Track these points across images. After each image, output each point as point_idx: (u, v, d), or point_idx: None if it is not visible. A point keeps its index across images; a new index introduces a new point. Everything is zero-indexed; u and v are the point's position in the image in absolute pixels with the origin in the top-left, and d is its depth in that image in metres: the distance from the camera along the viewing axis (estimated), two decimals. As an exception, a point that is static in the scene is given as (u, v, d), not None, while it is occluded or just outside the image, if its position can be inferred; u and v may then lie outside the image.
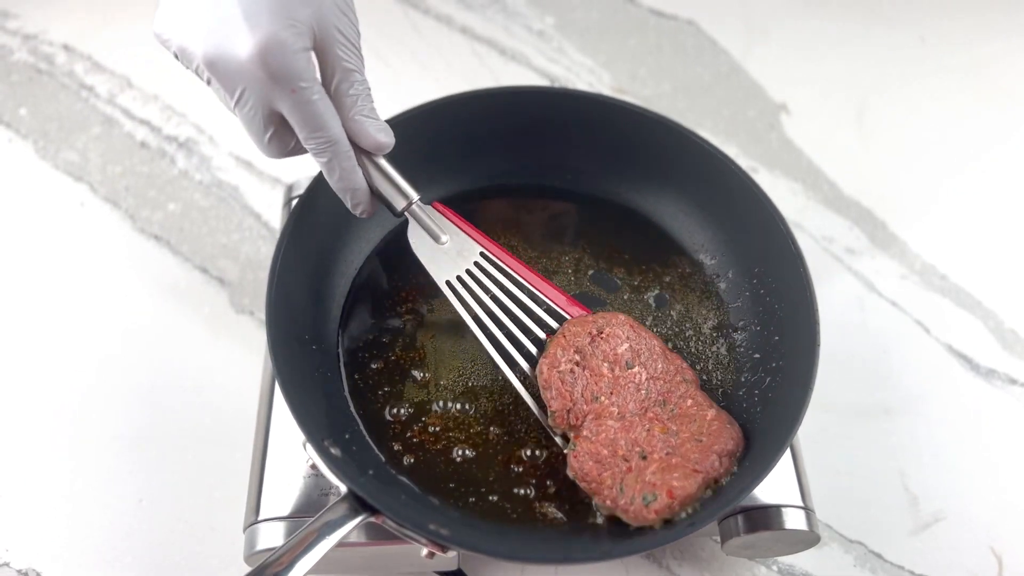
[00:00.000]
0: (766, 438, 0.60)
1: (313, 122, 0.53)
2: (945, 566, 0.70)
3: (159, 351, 0.77)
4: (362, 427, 0.62)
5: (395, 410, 0.63)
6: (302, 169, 0.83)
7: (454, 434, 0.62)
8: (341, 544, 0.53)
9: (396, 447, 0.61)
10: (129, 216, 0.85)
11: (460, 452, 0.62)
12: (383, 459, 0.61)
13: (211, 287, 0.81)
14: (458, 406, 0.64)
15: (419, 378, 0.65)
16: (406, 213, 0.62)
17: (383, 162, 0.60)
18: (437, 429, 0.62)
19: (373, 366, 0.65)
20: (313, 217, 0.66)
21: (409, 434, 0.62)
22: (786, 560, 0.69)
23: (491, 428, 0.63)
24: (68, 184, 0.87)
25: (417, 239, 0.63)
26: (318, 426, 0.57)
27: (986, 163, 0.95)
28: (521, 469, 0.61)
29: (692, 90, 1.00)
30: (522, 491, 0.60)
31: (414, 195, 0.61)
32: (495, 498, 0.59)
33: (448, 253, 0.63)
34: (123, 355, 0.77)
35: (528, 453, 0.62)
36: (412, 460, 0.61)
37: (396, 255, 0.72)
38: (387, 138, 0.58)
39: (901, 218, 0.90)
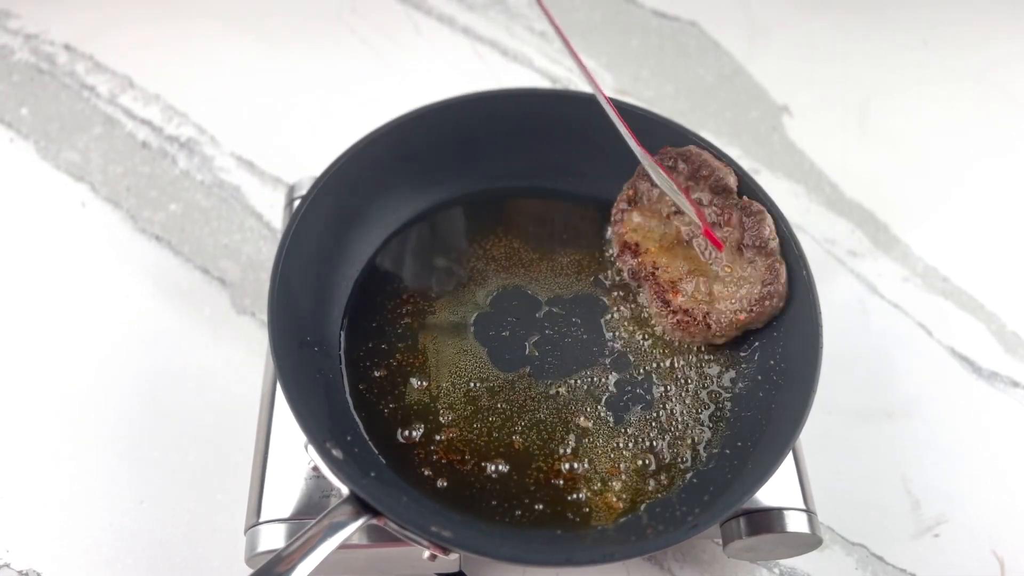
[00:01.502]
0: (768, 441, 0.60)
1: None
2: (947, 569, 0.70)
3: (160, 352, 0.77)
4: (363, 429, 0.62)
5: (408, 432, 0.63)
6: (304, 169, 0.83)
7: (472, 440, 0.62)
8: (343, 546, 0.53)
9: (427, 472, 0.61)
10: (130, 216, 0.85)
11: (494, 468, 0.61)
12: (385, 463, 0.61)
13: (212, 288, 0.81)
14: (467, 410, 0.64)
15: (419, 385, 0.65)
16: None
17: None
18: (452, 436, 0.62)
19: (376, 370, 0.65)
20: (315, 218, 0.66)
21: (430, 454, 0.62)
22: (788, 563, 0.69)
23: (514, 436, 0.63)
24: (69, 184, 0.87)
25: None
26: (320, 428, 0.57)
27: (989, 166, 0.95)
28: (562, 479, 0.61)
29: (694, 92, 0.99)
30: (574, 496, 0.60)
31: None
32: (541, 507, 0.60)
33: None
34: (124, 356, 0.76)
35: (559, 456, 0.62)
36: (445, 484, 0.60)
37: (399, 257, 0.71)
38: None
39: (903, 220, 0.90)
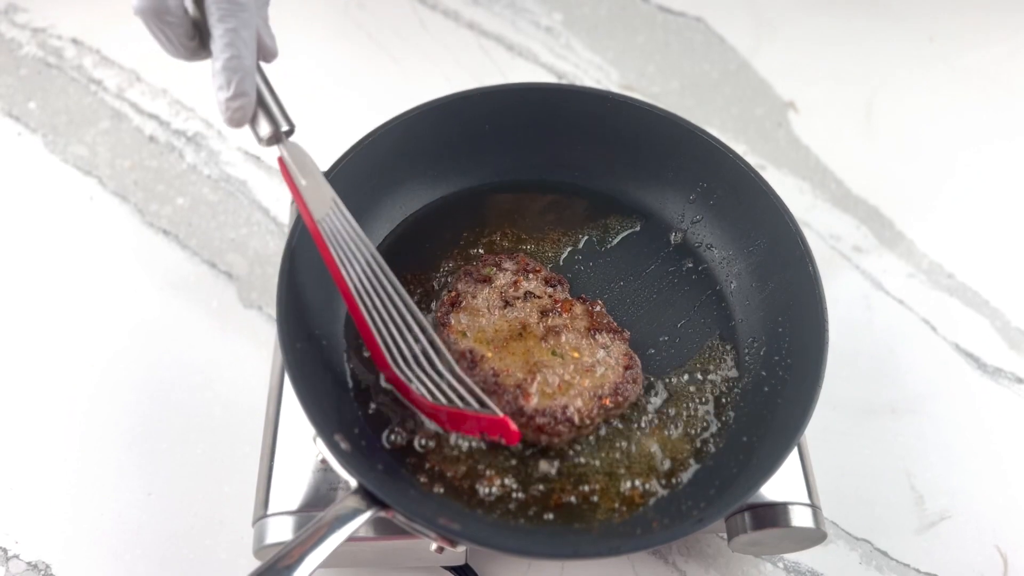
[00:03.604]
0: (774, 436, 0.60)
1: None
2: (951, 565, 0.70)
3: (168, 345, 0.77)
4: (369, 423, 0.62)
5: (412, 429, 0.62)
6: (310, 164, 0.83)
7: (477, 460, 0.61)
8: (350, 539, 0.53)
9: (435, 467, 0.60)
10: (138, 210, 0.85)
11: (486, 489, 0.60)
12: (392, 457, 0.61)
13: (219, 281, 0.81)
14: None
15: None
16: (280, 146, 0.57)
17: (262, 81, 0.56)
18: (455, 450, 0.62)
19: (374, 367, 0.65)
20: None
21: (438, 448, 0.61)
22: (792, 557, 0.69)
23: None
24: (77, 178, 0.87)
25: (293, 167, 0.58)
26: (328, 420, 0.57)
27: (994, 163, 0.95)
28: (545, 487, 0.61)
29: (700, 87, 0.99)
30: (581, 488, 0.60)
31: (284, 125, 0.56)
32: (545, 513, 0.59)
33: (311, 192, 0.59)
34: (132, 349, 0.77)
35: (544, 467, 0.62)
36: (441, 489, 0.60)
37: (402, 252, 0.71)
38: (276, 46, 0.57)
39: (908, 217, 0.90)
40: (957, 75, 1.02)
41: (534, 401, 0.60)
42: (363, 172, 0.69)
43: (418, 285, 0.69)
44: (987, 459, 0.75)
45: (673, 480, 0.61)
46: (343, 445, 0.56)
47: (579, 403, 0.61)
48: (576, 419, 0.60)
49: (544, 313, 0.64)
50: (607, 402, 0.61)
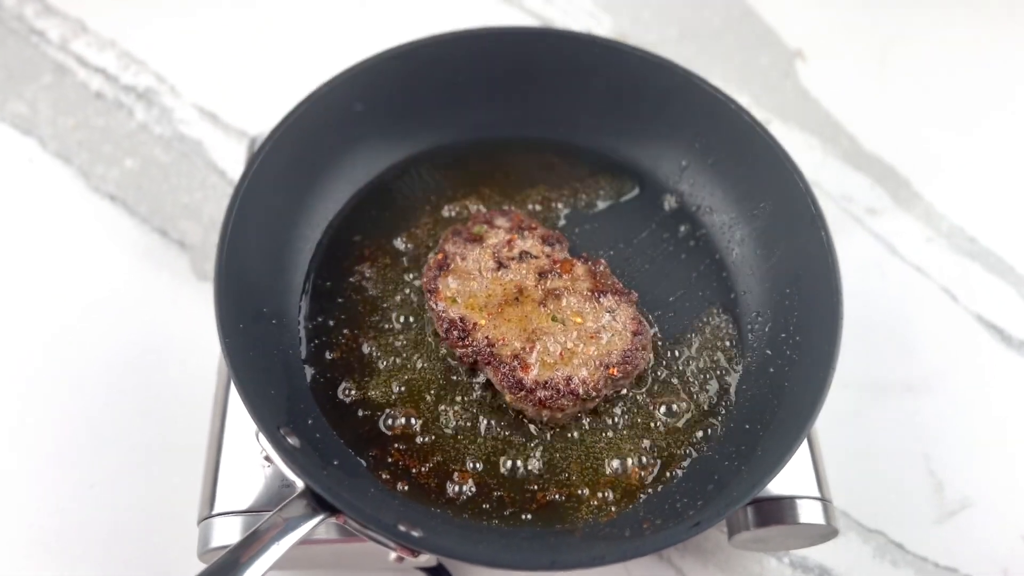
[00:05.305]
0: (780, 424, 0.55)
1: None
2: (972, 558, 0.66)
3: (114, 322, 0.72)
4: (325, 412, 0.56)
5: (380, 415, 0.57)
6: (270, 120, 0.76)
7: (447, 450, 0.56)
8: (305, 542, 0.48)
9: (400, 461, 0.55)
10: (82, 173, 0.80)
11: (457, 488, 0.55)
12: (351, 450, 0.55)
13: (171, 251, 0.76)
14: (445, 388, 0.58)
15: (391, 361, 0.59)
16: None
17: None
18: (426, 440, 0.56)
19: (340, 346, 0.59)
20: (272, 172, 0.60)
21: (406, 438, 0.56)
22: (799, 552, 0.65)
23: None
24: (15, 138, 0.82)
25: None
26: (274, 411, 0.51)
27: (1018, 118, 0.89)
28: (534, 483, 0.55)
29: (700, 35, 0.93)
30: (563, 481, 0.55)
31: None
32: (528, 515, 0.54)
33: None
34: (74, 326, 0.72)
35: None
36: (406, 487, 0.54)
37: (368, 216, 0.66)
38: None
39: (926, 175, 0.84)
40: (980, 21, 0.95)
41: (534, 372, 0.55)
42: (318, 126, 0.63)
43: (376, 259, 0.63)
44: (1013, 441, 0.70)
45: (667, 473, 0.55)
46: (290, 440, 0.50)
47: (584, 373, 0.56)
48: (581, 391, 0.55)
49: (542, 274, 0.60)
50: (615, 372, 0.56)
